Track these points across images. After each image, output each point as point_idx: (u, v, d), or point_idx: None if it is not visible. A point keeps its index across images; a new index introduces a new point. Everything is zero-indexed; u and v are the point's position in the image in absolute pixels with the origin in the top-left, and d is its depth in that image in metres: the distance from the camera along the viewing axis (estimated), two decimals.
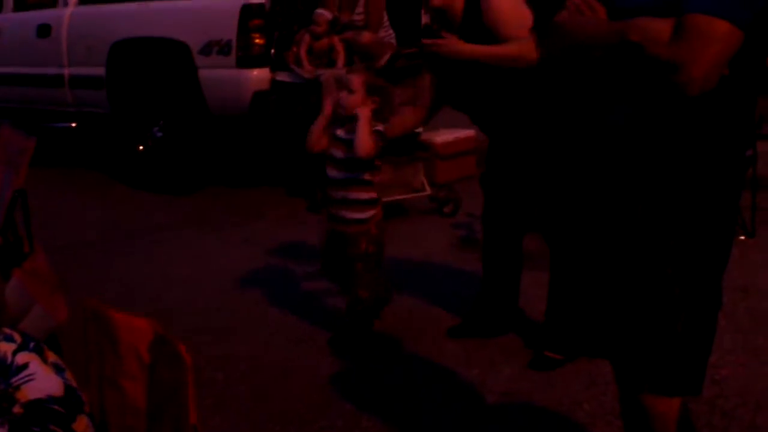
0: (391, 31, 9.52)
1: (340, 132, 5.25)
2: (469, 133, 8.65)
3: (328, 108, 5.29)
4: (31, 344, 2.38)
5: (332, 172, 5.31)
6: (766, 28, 2.82)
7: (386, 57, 8.05)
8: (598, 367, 4.71)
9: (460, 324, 5.51)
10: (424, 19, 9.92)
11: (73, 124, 10.49)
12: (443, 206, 8.18)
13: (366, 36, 9.09)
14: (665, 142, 2.91)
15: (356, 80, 5.21)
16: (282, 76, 8.70)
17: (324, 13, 8.92)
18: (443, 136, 8.50)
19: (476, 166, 8.34)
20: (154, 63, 9.34)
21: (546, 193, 4.98)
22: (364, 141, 5.05)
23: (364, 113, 5.09)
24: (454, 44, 4.72)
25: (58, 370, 2.38)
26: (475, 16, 4.80)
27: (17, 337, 2.38)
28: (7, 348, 2.33)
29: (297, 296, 6.20)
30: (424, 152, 8.24)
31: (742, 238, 6.91)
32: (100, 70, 9.74)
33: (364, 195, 5.28)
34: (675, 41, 2.72)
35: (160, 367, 2.50)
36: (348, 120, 5.19)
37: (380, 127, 5.19)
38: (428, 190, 8.18)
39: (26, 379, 2.29)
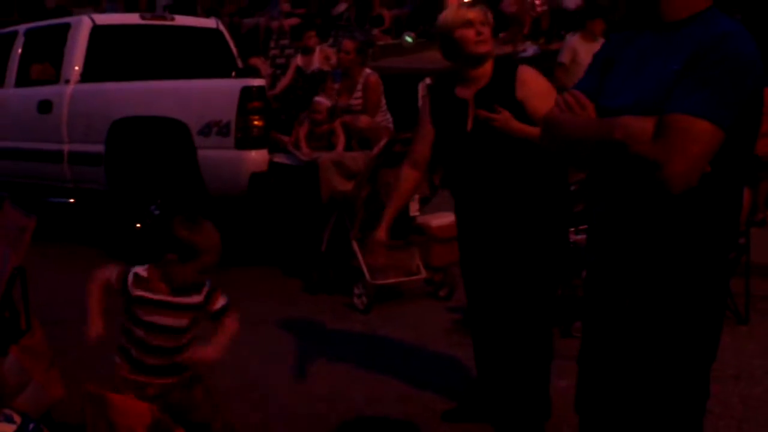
0: (388, 116, 9.61)
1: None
2: None
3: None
4: (31, 425, 2.41)
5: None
6: (748, 124, 2.89)
7: (383, 141, 8.12)
8: None
9: (454, 408, 5.50)
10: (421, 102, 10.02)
11: (71, 200, 10.52)
12: (439, 290, 8.21)
13: (363, 120, 9.19)
14: (650, 235, 2.96)
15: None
16: (280, 158, 8.78)
17: (323, 101, 9.04)
18: (439, 220, 8.54)
19: None
20: (153, 142, 9.39)
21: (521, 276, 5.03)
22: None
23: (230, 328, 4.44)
24: (509, 121, 4.78)
25: None
26: (506, 85, 4.91)
27: (17, 417, 2.41)
28: (7, 429, 2.35)
29: (291, 377, 6.19)
30: (420, 236, 8.27)
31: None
32: (100, 147, 9.81)
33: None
34: (657, 140, 2.78)
35: None
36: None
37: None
38: (424, 274, 8.22)
39: None
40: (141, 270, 4.28)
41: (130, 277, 4.25)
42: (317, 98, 9.19)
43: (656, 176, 2.79)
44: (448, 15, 5.05)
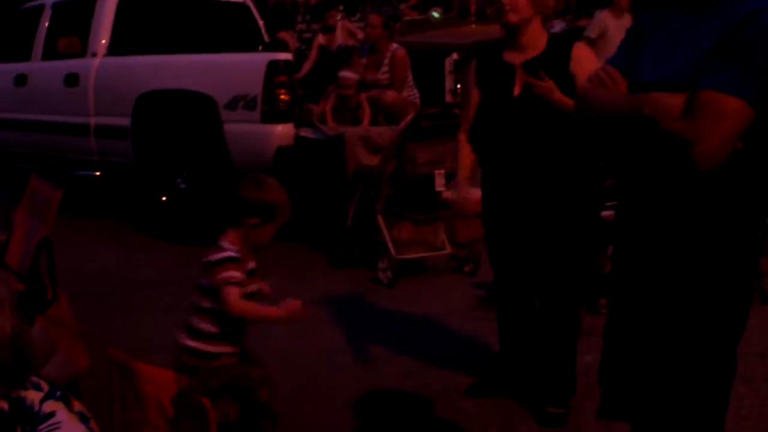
0: (415, 91, 9.61)
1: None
2: None
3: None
4: (58, 393, 2.41)
5: None
6: None
7: (410, 116, 8.09)
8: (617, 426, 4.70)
9: (477, 382, 5.51)
10: (448, 80, 10.01)
11: (97, 173, 10.55)
12: (464, 265, 8.20)
13: (390, 95, 9.18)
14: (680, 212, 2.95)
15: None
16: (306, 132, 8.78)
17: (351, 76, 9.01)
18: None
19: None
20: (179, 115, 9.42)
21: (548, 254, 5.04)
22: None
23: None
24: (552, 90, 4.75)
25: (83, 419, 2.41)
26: (560, 58, 4.91)
27: (44, 385, 2.41)
28: (35, 396, 2.36)
29: (318, 351, 6.21)
30: (446, 211, 8.26)
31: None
32: (126, 121, 9.83)
33: None
34: (687, 117, 2.77)
35: (184, 420, 2.53)
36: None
37: None
38: (449, 249, 8.21)
39: (52, 427, 2.32)
40: (232, 252, 4.07)
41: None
42: (343, 73, 9.15)
43: (686, 153, 2.78)
44: None
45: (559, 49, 4.96)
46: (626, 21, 12.46)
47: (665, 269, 3.03)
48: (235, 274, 3.98)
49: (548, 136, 4.88)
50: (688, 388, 3.04)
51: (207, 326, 4.03)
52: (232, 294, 3.93)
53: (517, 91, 4.90)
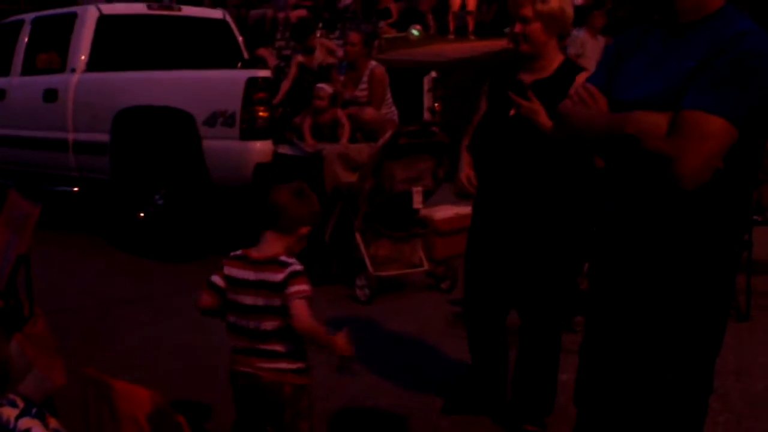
0: (393, 108, 9.61)
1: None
2: (468, 210, 8.68)
3: None
4: (34, 410, 2.42)
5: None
6: (762, 123, 2.90)
7: (388, 134, 8.11)
8: None
9: (452, 399, 5.50)
10: (426, 98, 10.03)
11: (76, 189, 10.53)
12: (440, 282, 8.21)
13: (368, 112, 9.19)
14: (659, 229, 2.97)
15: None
16: (284, 149, 8.79)
17: (325, 88, 9.02)
18: (442, 213, 8.56)
19: None
20: (158, 132, 9.42)
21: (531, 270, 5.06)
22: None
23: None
24: (539, 112, 4.71)
25: None
26: (564, 83, 4.85)
27: (20, 402, 2.42)
28: (11, 413, 2.36)
29: None
30: (423, 228, 8.29)
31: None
32: (105, 137, 9.83)
33: None
34: (670, 136, 2.80)
35: None
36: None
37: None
38: (426, 266, 8.23)
39: None
40: (299, 266, 4.04)
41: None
42: (320, 84, 9.17)
43: (669, 171, 2.80)
44: None
45: (567, 75, 4.96)
46: (600, 41, 12.61)
47: (643, 285, 3.05)
48: (307, 288, 3.95)
49: (537, 157, 4.89)
50: (664, 404, 3.06)
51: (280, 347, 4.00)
52: (305, 308, 3.92)
53: (512, 111, 4.91)
